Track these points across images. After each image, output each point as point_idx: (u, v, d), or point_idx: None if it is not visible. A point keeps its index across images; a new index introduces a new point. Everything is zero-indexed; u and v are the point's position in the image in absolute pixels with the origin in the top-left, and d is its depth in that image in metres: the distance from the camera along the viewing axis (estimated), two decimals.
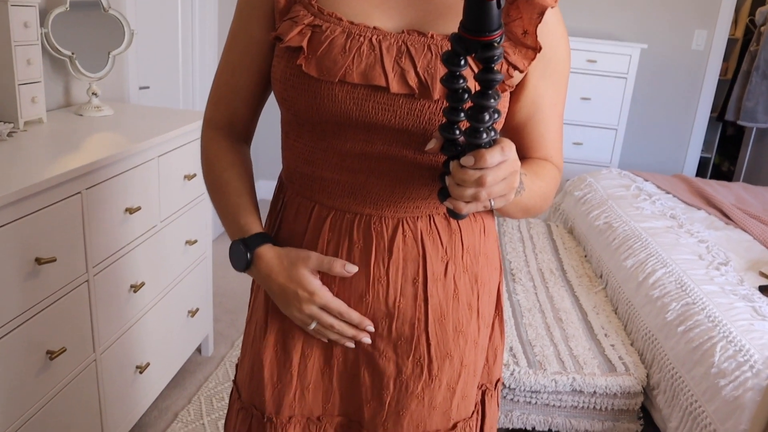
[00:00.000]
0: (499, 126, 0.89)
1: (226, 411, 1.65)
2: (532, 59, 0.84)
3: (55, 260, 1.38)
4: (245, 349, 1.02)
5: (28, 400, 1.38)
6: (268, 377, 0.95)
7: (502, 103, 0.87)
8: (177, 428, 2.08)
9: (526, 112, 0.92)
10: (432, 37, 0.82)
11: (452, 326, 0.92)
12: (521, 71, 0.85)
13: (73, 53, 1.93)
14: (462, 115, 0.73)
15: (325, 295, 0.87)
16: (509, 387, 1.82)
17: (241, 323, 2.69)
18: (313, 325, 0.89)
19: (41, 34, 1.79)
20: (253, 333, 0.98)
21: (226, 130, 0.99)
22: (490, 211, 0.99)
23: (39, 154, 1.52)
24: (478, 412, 1.03)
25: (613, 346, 1.98)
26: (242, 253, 0.89)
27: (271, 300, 0.94)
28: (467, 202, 0.73)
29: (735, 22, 4.64)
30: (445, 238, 0.90)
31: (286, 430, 0.96)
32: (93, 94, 2.00)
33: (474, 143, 0.72)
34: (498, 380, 1.08)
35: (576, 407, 1.86)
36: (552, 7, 0.84)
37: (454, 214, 0.79)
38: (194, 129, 1.99)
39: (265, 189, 4.36)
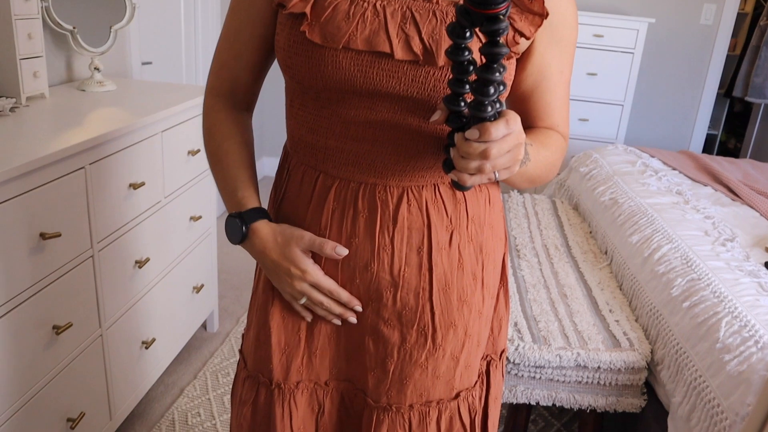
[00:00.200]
0: (504, 96, 0.88)
1: (231, 386, 1.66)
2: (539, 26, 0.83)
3: (59, 235, 1.38)
4: (251, 317, 1.02)
5: (36, 375, 1.39)
6: (276, 343, 0.96)
7: (509, 71, 0.86)
8: (183, 403, 2.10)
9: (532, 81, 0.91)
10: (437, 2, 0.80)
11: (456, 296, 0.92)
12: (528, 38, 0.84)
13: (74, 27, 1.91)
14: (467, 87, 0.73)
15: (316, 273, 0.89)
16: (513, 362, 1.82)
17: (245, 299, 2.70)
18: (302, 301, 0.91)
19: (42, 7, 1.77)
20: (260, 301, 0.99)
21: (228, 98, 0.98)
22: (496, 182, 0.98)
23: (42, 128, 1.51)
24: (482, 383, 1.04)
25: (617, 321, 1.98)
26: (238, 227, 0.90)
27: None
28: (471, 174, 0.73)
29: None
30: (450, 207, 0.90)
31: (294, 395, 0.97)
32: (95, 69, 1.98)
33: (479, 116, 0.71)
34: (503, 351, 1.08)
35: (580, 382, 1.86)
36: None
37: (459, 186, 0.78)
38: (197, 104, 1.98)
39: (270, 166, 4.36)
